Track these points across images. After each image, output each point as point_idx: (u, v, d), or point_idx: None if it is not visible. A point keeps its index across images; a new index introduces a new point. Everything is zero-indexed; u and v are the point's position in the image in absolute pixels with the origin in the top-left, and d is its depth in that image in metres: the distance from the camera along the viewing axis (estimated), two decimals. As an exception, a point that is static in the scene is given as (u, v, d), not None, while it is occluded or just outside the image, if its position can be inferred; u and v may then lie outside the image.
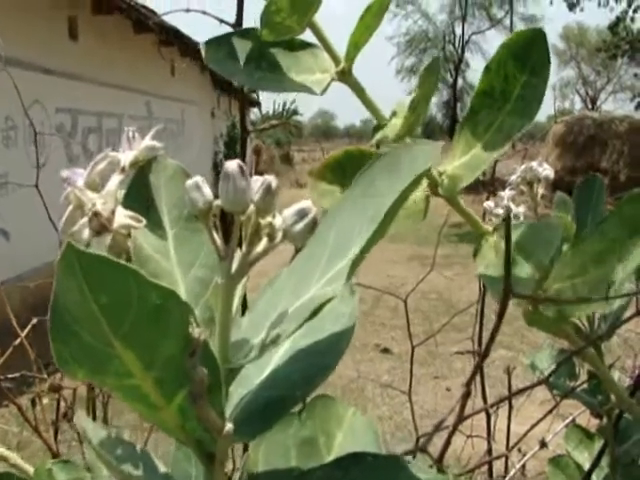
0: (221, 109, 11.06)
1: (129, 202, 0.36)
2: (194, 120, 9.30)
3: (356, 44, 0.55)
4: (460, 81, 23.18)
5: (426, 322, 3.73)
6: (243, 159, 0.82)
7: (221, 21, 0.78)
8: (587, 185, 0.67)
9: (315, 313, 0.30)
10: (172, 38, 6.68)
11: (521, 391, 0.69)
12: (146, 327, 0.27)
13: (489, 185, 1.23)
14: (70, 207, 0.34)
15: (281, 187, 0.31)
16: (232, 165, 0.29)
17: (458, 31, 22.86)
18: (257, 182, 0.30)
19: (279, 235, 0.31)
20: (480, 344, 1.17)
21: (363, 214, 0.32)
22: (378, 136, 0.57)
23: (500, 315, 0.51)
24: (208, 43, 0.54)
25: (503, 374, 1.20)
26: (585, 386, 0.73)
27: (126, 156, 0.37)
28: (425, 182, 0.55)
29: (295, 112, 16.64)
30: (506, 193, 0.68)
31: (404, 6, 22.68)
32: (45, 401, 0.93)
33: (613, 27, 15.56)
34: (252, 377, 0.35)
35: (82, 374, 0.29)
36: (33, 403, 0.86)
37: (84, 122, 5.88)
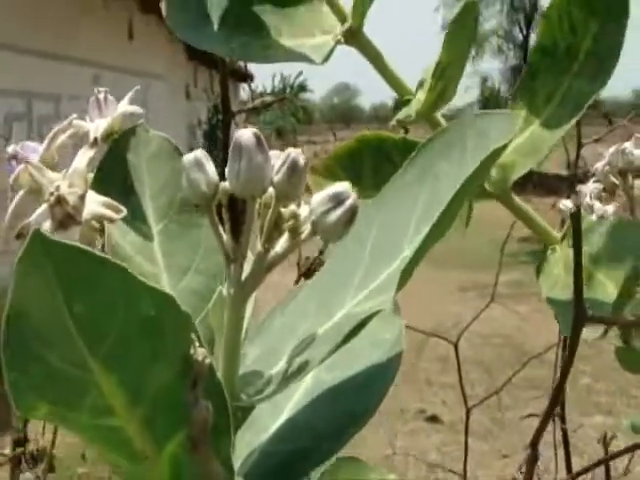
0: (199, 86, 11.08)
1: (101, 186, 0.37)
2: (161, 101, 9.31)
3: None
4: (534, 37, 22.98)
5: (488, 377, 3.70)
6: (225, 151, 0.81)
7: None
8: None
9: (352, 335, 0.31)
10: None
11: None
12: (134, 345, 0.28)
13: (574, 179, 1.24)
14: (20, 192, 0.35)
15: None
16: (246, 134, 0.30)
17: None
18: (278, 158, 0.31)
19: (306, 229, 0.31)
20: (563, 406, 1.17)
21: (416, 205, 0.33)
22: (399, 115, 0.57)
23: (571, 350, 0.50)
24: (171, 0, 0.54)
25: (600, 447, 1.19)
26: None
27: (97, 126, 0.38)
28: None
29: (302, 88, 16.53)
30: (588, 187, 0.68)
31: None
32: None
33: None
34: (264, 421, 0.36)
35: (44, 411, 0.30)
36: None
37: (6, 106, 5.89)
